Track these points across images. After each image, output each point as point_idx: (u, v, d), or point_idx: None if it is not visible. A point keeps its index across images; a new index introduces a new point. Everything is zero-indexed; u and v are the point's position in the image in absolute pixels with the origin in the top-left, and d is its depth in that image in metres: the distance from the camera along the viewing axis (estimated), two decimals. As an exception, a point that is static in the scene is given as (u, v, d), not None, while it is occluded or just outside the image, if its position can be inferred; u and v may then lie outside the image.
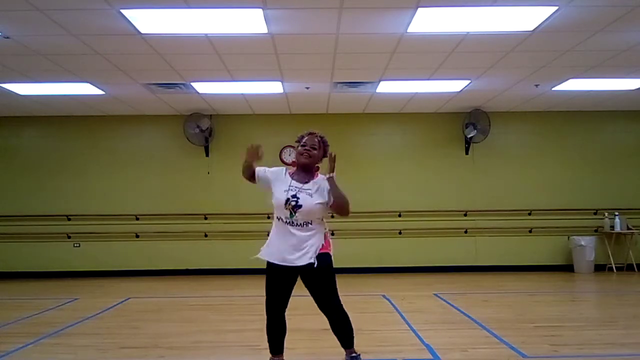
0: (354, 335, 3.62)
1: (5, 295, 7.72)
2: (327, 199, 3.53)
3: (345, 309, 3.59)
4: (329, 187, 3.53)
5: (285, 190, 3.53)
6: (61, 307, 6.50)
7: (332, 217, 3.92)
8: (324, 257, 3.51)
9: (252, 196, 9.00)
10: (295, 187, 3.52)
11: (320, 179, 3.58)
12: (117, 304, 6.61)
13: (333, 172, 3.51)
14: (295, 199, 3.47)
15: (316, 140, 3.63)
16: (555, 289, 7.76)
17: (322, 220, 3.60)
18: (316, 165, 3.65)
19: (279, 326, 3.57)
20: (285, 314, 3.57)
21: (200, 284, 8.32)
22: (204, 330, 5.21)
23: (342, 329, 3.58)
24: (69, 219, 9.17)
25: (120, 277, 8.96)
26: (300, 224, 3.48)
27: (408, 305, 6.29)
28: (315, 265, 3.45)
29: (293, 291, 3.61)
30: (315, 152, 3.60)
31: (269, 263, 3.57)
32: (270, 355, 3.61)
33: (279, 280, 3.54)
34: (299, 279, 3.57)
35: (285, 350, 3.63)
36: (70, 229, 9.17)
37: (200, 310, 6.41)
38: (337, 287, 3.57)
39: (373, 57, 6.18)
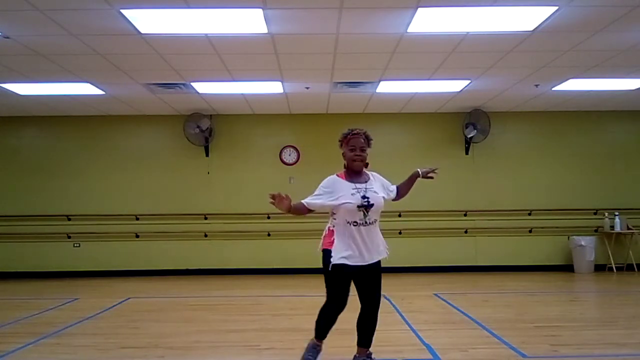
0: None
1: (5, 295, 7.72)
2: (386, 193, 3.75)
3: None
4: (387, 183, 3.82)
5: (352, 194, 3.57)
6: (61, 307, 6.50)
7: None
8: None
9: (252, 196, 9.06)
10: (360, 188, 3.60)
11: (373, 176, 3.76)
12: (117, 304, 6.61)
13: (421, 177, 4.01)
14: (367, 199, 3.55)
15: (362, 140, 3.71)
16: (555, 289, 7.76)
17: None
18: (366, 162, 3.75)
19: (335, 318, 3.70)
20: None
21: (200, 284, 8.32)
22: (204, 330, 5.21)
23: (372, 324, 3.71)
24: (69, 219, 9.17)
25: (120, 277, 8.96)
26: (372, 222, 3.60)
27: (408, 305, 6.29)
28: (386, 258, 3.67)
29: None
30: (365, 152, 3.71)
31: (345, 266, 3.57)
32: (315, 339, 3.77)
33: (351, 279, 3.63)
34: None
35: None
36: (70, 229, 9.17)
37: (200, 310, 6.40)
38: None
39: (373, 57, 6.18)
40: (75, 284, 8.39)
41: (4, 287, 8.36)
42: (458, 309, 5.99)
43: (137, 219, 9.19)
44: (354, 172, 3.67)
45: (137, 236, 9.21)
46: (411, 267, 9.16)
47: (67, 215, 9.17)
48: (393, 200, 3.84)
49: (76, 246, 9.25)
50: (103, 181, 9.28)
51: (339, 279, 3.59)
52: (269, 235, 9.03)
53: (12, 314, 5.98)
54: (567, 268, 9.14)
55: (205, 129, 9.00)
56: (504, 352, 4.23)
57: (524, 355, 4.12)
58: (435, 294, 6.97)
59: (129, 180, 9.30)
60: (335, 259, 3.55)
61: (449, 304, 6.36)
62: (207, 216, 9.24)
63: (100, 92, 7.58)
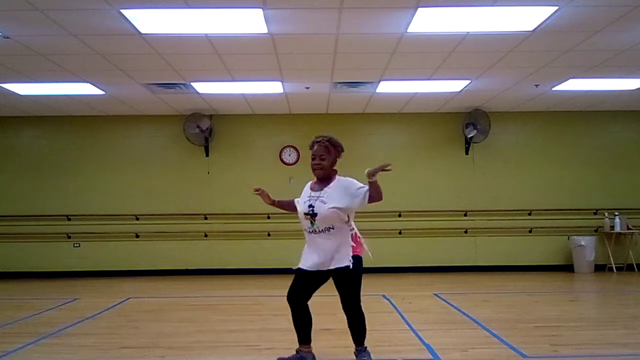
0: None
1: (5, 295, 7.72)
2: (347, 202, 3.58)
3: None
4: (350, 187, 3.61)
5: (304, 202, 3.71)
6: (61, 307, 6.50)
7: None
8: (355, 259, 3.69)
9: (252, 196, 9.02)
10: (312, 196, 3.69)
11: (336, 182, 3.69)
12: (117, 304, 6.61)
13: (374, 177, 3.49)
14: (312, 208, 3.61)
15: (323, 146, 3.70)
16: (555, 289, 7.76)
17: (347, 222, 3.68)
18: (333, 169, 3.76)
19: (303, 316, 3.80)
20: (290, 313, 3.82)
21: (200, 284, 8.32)
22: (204, 330, 5.21)
23: (353, 326, 3.81)
24: (69, 219, 9.17)
25: (120, 277, 8.96)
26: (322, 230, 3.61)
27: (408, 305, 6.30)
28: (350, 267, 3.63)
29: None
30: (325, 161, 3.69)
31: (300, 270, 3.75)
32: (299, 347, 3.84)
33: (307, 280, 3.73)
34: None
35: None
36: (70, 229, 9.17)
37: (200, 310, 6.40)
38: (361, 288, 3.82)
39: (373, 57, 6.18)
40: (75, 284, 8.39)
41: (4, 287, 8.36)
42: (458, 309, 5.99)
43: (137, 219, 9.19)
44: (318, 180, 3.77)
45: (137, 236, 9.21)
46: (411, 267, 9.16)
47: (67, 215, 9.17)
48: (369, 203, 3.57)
49: (76, 246, 9.25)
50: (103, 181, 9.28)
51: (295, 279, 3.79)
52: (269, 235, 9.03)
53: (12, 314, 5.98)
54: (567, 268, 9.14)
55: (205, 129, 9.00)
56: (504, 352, 4.22)
57: (524, 355, 4.12)
58: (435, 294, 6.97)
59: (129, 180, 9.30)
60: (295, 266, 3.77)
61: (449, 304, 6.36)
62: (207, 216, 9.24)
63: (100, 92, 7.58)
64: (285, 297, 3.80)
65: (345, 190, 3.63)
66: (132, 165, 9.34)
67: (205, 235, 9.25)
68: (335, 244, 3.63)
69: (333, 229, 3.60)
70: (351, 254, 3.66)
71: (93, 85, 7.22)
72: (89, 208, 9.18)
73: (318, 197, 3.64)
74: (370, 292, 7.21)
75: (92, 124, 9.33)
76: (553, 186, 9.34)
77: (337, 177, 3.75)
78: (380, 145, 9.38)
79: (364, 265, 3.78)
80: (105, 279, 8.84)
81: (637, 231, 9.06)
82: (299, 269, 3.74)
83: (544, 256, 9.29)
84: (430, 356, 4.17)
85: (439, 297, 6.81)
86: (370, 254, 3.81)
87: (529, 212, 9.27)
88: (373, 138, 9.40)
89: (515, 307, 6.19)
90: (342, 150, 3.79)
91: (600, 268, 9.07)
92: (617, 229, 9.00)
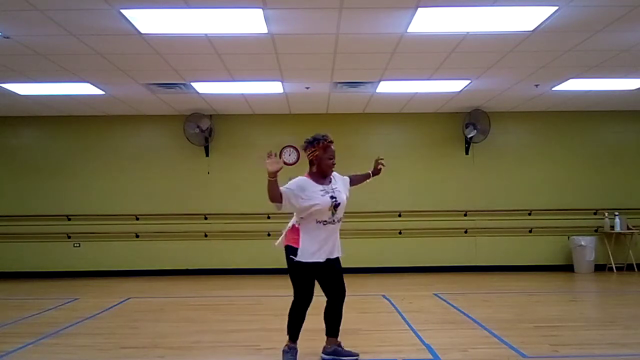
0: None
1: (5, 295, 7.72)
2: (347, 190, 4.11)
3: (344, 308, 4.01)
4: (345, 178, 4.18)
5: (322, 196, 3.83)
6: (61, 307, 6.50)
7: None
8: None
9: (252, 196, 9.03)
10: (327, 189, 3.88)
11: (337, 176, 4.08)
12: (117, 304, 6.61)
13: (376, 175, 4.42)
14: (334, 199, 3.84)
15: (333, 148, 4.01)
16: (555, 289, 7.76)
17: None
18: None
19: (304, 315, 3.95)
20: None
21: (200, 284, 8.32)
22: (204, 330, 5.21)
23: (339, 314, 4.01)
24: (69, 219, 9.18)
25: (120, 277, 8.96)
26: (338, 219, 3.92)
27: (408, 305, 6.29)
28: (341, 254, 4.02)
29: (292, 291, 3.89)
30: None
31: (314, 264, 3.83)
32: (289, 342, 3.95)
33: (316, 275, 3.89)
34: None
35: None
36: (70, 229, 9.17)
37: (200, 310, 6.40)
38: None
39: (373, 57, 6.18)
40: (75, 284, 8.39)
41: (4, 287, 8.36)
42: (458, 309, 5.99)
43: (137, 219, 9.19)
44: (323, 176, 3.95)
45: (137, 236, 9.22)
46: (411, 267, 9.16)
47: (67, 215, 9.17)
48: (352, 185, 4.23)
49: (76, 246, 9.26)
50: (103, 181, 9.28)
51: (308, 276, 3.85)
52: (269, 235, 9.02)
53: (12, 314, 5.98)
54: (567, 268, 9.14)
55: (205, 129, 9.00)
56: (504, 352, 4.23)
57: (524, 355, 4.12)
58: (435, 294, 6.97)
59: (129, 180, 9.30)
60: (305, 258, 3.78)
61: (449, 304, 6.36)
62: (207, 216, 9.24)
63: (100, 92, 7.58)
64: (303, 297, 3.87)
65: (343, 182, 4.13)
66: (132, 165, 9.35)
67: (205, 235, 9.25)
68: (338, 232, 3.99)
69: (341, 218, 3.95)
70: None
71: (93, 85, 7.22)
72: (89, 208, 9.18)
73: (333, 189, 3.91)
74: (370, 292, 7.24)
75: (92, 124, 9.33)
76: (553, 186, 9.34)
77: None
78: (380, 145, 9.36)
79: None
80: (105, 279, 8.85)
81: (637, 231, 9.07)
82: (316, 263, 3.82)
83: (544, 256, 9.29)
84: (430, 356, 4.17)
85: (439, 297, 6.81)
86: None
87: (529, 212, 9.27)
88: (373, 138, 9.40)
89: (515, 307, 6.19)
90: None
91: (600, 268, 9.07)
92: (617, 229, 9.00)
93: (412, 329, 5.09)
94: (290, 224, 3.94)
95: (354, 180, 4.28)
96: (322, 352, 4.05)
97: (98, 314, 6.02)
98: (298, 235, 3.81)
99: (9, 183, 9.28)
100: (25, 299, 7.37)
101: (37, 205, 9.16)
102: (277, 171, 3.60)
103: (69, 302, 6.81)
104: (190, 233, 9.21)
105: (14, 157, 9.36)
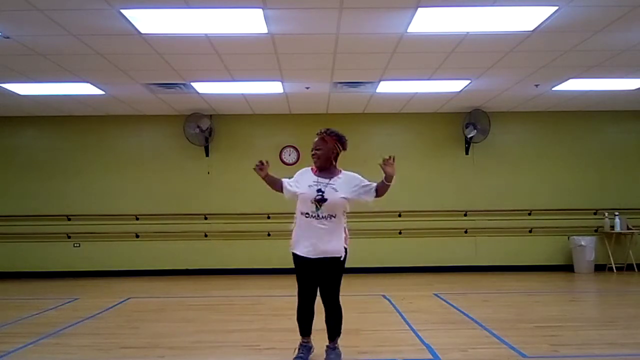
0: (342, 332, 3.97)
1: (5, 295, 7.72)
2: (352, 195, 3.83)
3: (344, 308, 3.91)
4: (358, 184, 3.87)
5: (309, 186, 3.80)
6: (61, 307, 6.50)
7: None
8: (345, 252, 3.85)
9: (252, 196, 9.04)
10: (321, 182, 3.81)
11: (345, 176, 3.89)
12: (117, 304, 6.61)
13: (391, 181, 3.88)
14: (321, 193, 3.75)
15: (320, 138, 3.90)
16: (555, 289, 7.76)
17: (344, 214, 3.86)
18: (330, 160, 3.90)
19: (308, 312, 3.91)
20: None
21: (200, 284, 8.32)
22: (204, 330, 5.21)
23: (332, 319, 3.89)
24: (69, 219, 9.17)
25: (120, 277, 8.96)
26: (325, 216, 3.75)
27: (408, 305, 6.30)
28: (342, 258, 3.79)
29: (292, 291, 3.76)
30: (321, 150, 3.88)
31: (297, 256, 3.84)
32: (300, 338, 3.96)
33: (307, 271, 3.83)
34: None
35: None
36: (70, 229, 9.17)
37: (201, 310, 6.40)
38: (341, 283, 3.92)
39: (373, 57, 6.18)
40: (75, 284, 8.39)
41: (4, 287, 8.36)
42: (458, 309, 6.00)
43: (137, 219, 9.19)
44: (322, 170, 3.90)
45: (137, 236, 9.21)
46: (411, 267, 9.16)
47: (67, 215, 9.17)
48: (376, 197, 3.88)
49: (76, 246, 9.25)
50: (103, 181, 9.28)
51: (298, 268, 3.88)
52: (269, 235, 9.03)
53: (12, 314, 5.98)
54: (567, 268, 9.14)
55: (205, 129, 9.00)
56: (504, 352, 4.23)
57: (524, 355, 4.13)
58: (435, 294, 6.97)
59: (129, 180, 9.30)
60: (291, 247, 3.88)
61: (449, 304, 6.36)
62: (207, 216, 9.24)
63: (100, 92, 7.58)
64: (298, 292, 3.91)
65: (353, 183, 3.87)
66: (132, 165, 9.34)
67: (205, 235, 9.25)
68: (330, 231, 3.77)
69: (335, 217, 3.77)
70: (344, 246, 3.82)
71: (93, 85, 7.22)
72: (89, 208, 9.18)
73: (328, 183, 3.80)
74: (370, 292, 7.24)
75: (92, 124, 9.33)
76: (553, 186, 9.34)
77: (342, 170, 3.93)
78: (380, 145, 9.36)
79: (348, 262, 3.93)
80: (105, 279, 8.84)
81: (637, 231, 9.06)
82: (294, 254, 3.87)
83: (544, 256, 9.29)
84: (430, 356, 4.17)
85: (439, 297, 6.81)
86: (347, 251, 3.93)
87: (529, 212, 9.27)
88: (373, 138, 9.39)
89: (515, 307, 6.20)
90: (343, 141, 3.94)
91: (600, 268, 9.07)
92: (617, 229, 9.00)
93: (412, 329, 5.09)
94: (343, 227, 3.96)
95: (379, 190, 3.91)
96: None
97: (98, 314, 6.02)
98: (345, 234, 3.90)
99: (9, 183, 9.28)
100: (25, 299, 7.37)
101: (37, 205, 9.16)
102: (266, 175, 3.99)
103: (69, 302, 6.81)
104: (190, 233, 9.21)
105: (14, 157, 9.35)
